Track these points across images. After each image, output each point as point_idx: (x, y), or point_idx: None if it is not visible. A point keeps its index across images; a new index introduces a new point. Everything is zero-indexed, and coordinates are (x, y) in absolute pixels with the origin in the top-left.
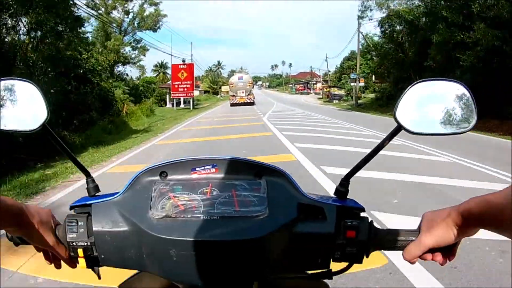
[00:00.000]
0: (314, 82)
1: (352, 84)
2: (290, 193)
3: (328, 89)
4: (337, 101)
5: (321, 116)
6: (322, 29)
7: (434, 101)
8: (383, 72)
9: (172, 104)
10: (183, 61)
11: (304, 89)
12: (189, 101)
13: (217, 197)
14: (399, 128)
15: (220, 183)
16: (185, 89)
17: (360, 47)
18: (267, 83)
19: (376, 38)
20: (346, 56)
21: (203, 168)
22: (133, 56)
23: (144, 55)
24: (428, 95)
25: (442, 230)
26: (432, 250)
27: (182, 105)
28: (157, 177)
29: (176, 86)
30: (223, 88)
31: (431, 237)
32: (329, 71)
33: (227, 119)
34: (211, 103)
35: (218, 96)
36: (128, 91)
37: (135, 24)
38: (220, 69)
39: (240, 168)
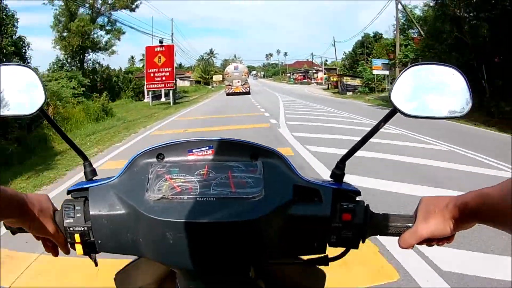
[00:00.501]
0: (314, 71)
1: (376, 72)
2: (286, 175)
3: (337, 79)
4: (351, 93)
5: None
6: (315, 20)
7: (430, 85)
8: (434, 58)
9: (153, 98)
10: (160, 42)
11: (304, 79)
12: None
13: (214, 179)
14: (394, 111)
15: (217, 164)
16: (163, 79)
17: (394, 27)
18: (262, 73)
19: (417, 12)
20: (359, 40)
21: (199, 149)
22: (105, 40)
23: (119, 39)
24: (424, 79)
25: (438, 221)
26: (428, 239)
27: (163, 99)
28: (154, 159)
29: (152, 75)
30: (215, 78)
31: (427, 228)
32: (326, 59)
33: (214, 130)
34: (200, 95)
35: (209, 86)
36: (90, 83)
37: (109, 2)
38: (212, 57)
39: (236, 150)
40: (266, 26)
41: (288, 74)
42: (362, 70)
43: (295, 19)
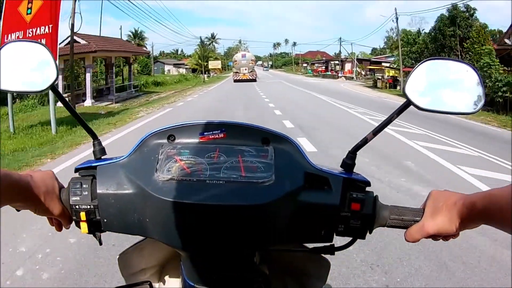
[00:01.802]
0: (337, 62)
1: None
2: (297, 161)
3: (394, 74)
4: None
5: None
6: (321, 12)
7: (443, 80)
8: None
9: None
10: None
11: (327, 71)
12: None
13: (224, 162)
14: (408, 103)
15: (228, 148)
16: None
17: None
18: (270, 63)
19: None
20: (445, 16)
21: (211, 133)
22: None
23: None
24: (438, 73)
25: (445, 219)
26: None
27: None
28: (165, 140)
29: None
30: (211, 65)
31: (433, 224)
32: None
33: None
34: (177, 91)
35: (204, 75)
36: None
37: None
38: (214, 43)
39: (248, 134)
40: (272, 19)
41: (305, 65)
42: (489, 62)
43: (302, 12)
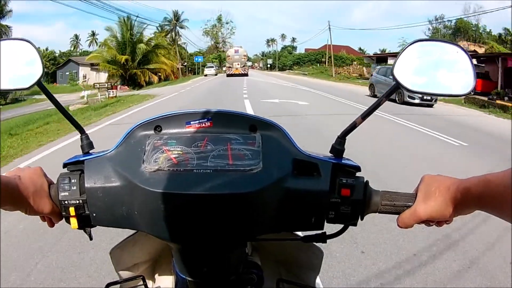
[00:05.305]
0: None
1: None
2: (285, 148)
3: None
4: None
5: None
6: (306, 15)
7: (433, 62)
8: None
9: None
10: None
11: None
12: None
13: (211, 151)
14: (397, 86)
15: (215, 136)
16: None
17: None
18: (270, 62)
19: None
20: None
21: (198, 121)
22: None
23: None
24: (427, 55)
25: (438, 204)
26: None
27: None
28: (151, 131)
29: None
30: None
31: (426, 209)
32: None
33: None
34: None
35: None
36: None
37: None
38: (178, 27)
39: (235, 122)
40: (257, 21)
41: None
42: None
43: (286, 15)
